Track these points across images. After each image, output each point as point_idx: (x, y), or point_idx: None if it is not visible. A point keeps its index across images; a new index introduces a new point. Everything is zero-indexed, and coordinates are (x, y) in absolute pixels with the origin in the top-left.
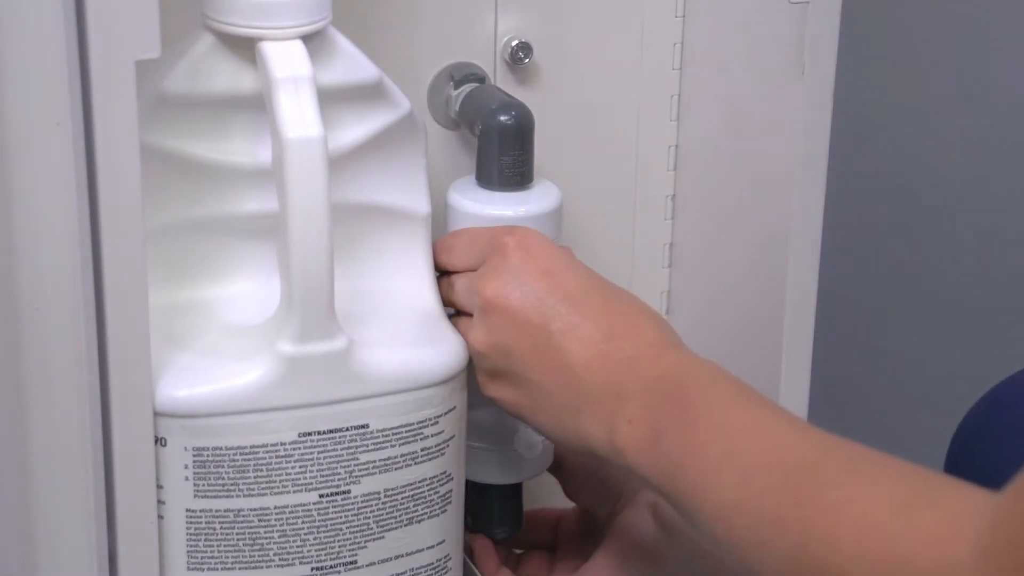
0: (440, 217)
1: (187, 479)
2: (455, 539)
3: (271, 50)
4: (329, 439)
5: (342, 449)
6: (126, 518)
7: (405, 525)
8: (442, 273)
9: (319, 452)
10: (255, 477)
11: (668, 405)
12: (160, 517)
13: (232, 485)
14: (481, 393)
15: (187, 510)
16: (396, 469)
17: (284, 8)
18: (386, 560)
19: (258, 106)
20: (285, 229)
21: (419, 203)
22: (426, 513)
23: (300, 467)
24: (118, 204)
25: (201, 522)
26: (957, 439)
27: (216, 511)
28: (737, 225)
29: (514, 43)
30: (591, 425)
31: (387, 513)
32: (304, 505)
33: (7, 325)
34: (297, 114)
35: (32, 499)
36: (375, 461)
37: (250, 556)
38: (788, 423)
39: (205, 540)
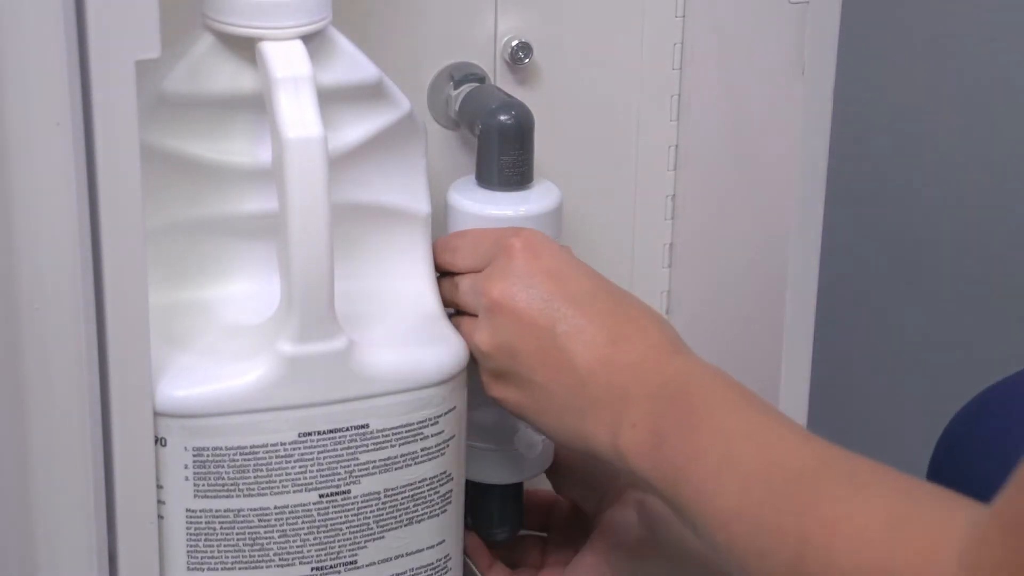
0: (440, 217)
1: (187, 479)
2: (455, 539)
3: (271, 50)
4: (329, 439)
5: (342, 449)
6: (126, 518)
7: (405, 525)
8: (443, 273)
9: (319, 452)
10: (255, 477)
11: (671, 410)
12: (160, 517)
13: (232, 485)
14: (482, 393)
15: (187, 510)
16: (396, 469)
17: (284, 8)
18: (386, 560)
19: (258, 106)
20: (285, 229)
21: (419, 203)
22: (426, 513)
23: (300, 467)
24: (118, 204)
25: (201, 522)
26: (941, 446)
27: (216, 511)
28: (737, 225)
29: (514, 43)
30: (594, 428)
31: (387, 513)
32: (304, 505)
33: (7, 325)
34: (297, 114)
35: (32, 499)
36: (375, 461)
37: (250, 556)
38: (789, 431)
39: (205, 540)
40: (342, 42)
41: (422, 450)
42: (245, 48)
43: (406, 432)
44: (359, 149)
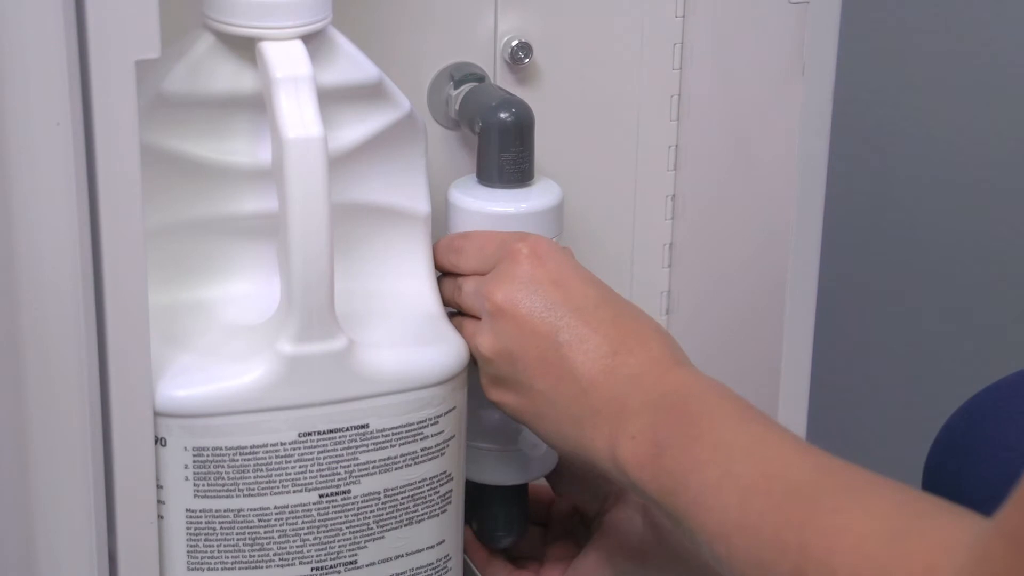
0: (440, 217)
1: (187, 479)
2: (455, 539)
3: (271, 50)
4: (329, 439)
5: (342, 449)
6: (126, 518)
7: (405, 525)
8: (444, 273)
9: (319, 452)
10: (255, 477)
11: (670, 422)
12: (160, 517)
13: (232, 485)
14: (484, 394)
15: (187, 510)
16: (396, 469)
17: (284, 8)
18: (386, 560)
19: (258, 106)
20: (285, 229)
21: (419, 203)
22: (426, 513)
23: (300, 467)
24: (118, 204)
25: (201, 522)
26: (937, 447)
27: (216, 511)
28: (737, 225)
29: (514, 43)
30: (593, 438)
31: (387, 513)
32: (304, 505)
33: (7, 325)
34: (297, 114)
35: (32, 499)
36: (375, 461)
37: (250, 556)
38: (789, 443)
39: (205, 540)
40: (342, 42)
41: (422, 450)
42: (245, 48)
43: (406, 432)
44: (359, 149)
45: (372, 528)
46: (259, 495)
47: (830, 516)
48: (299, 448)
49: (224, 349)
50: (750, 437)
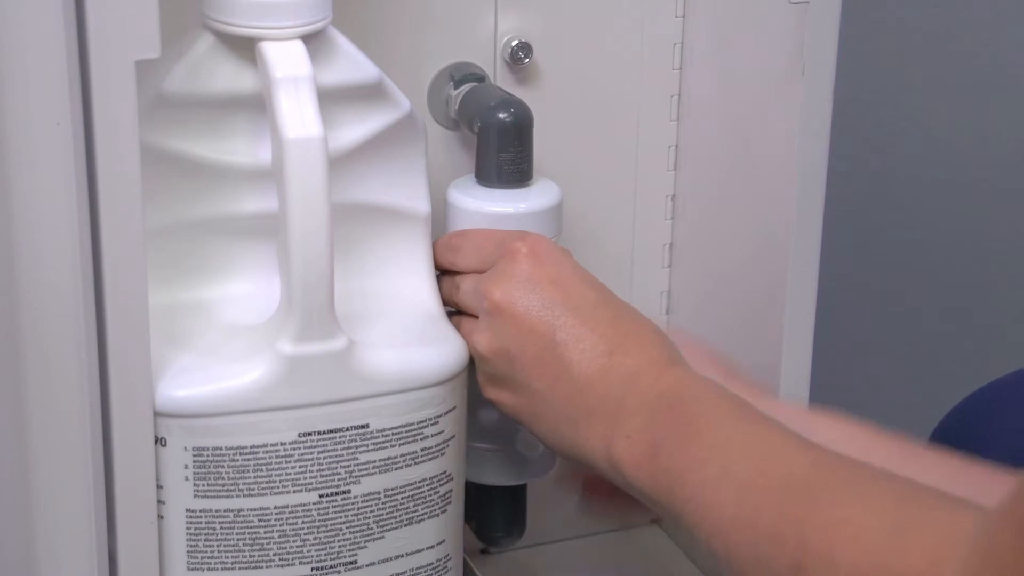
0: (439, 217)
1: (187, 479)
2: (455, 539)
3: (271, 50)
4: (329, 439)
5: (342, 449)
6: (126, 518)
7: (405, 525)
8: (443, 272)
9: (319, 452)
10: (255, 477)
11: (666, 421)
12: (160, 517)
13: (232, 485)
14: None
15: (187, 510)
16: (396, 469)
17: (284, 8)
18: (386, 560)
19: (258, 106)
20: (285, 229)
21: (419, 203)
22: (426, 513)
23: (300, 467)
24: (118, 204)
25: (201, 522)
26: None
27: (216, 511)
28: (737, 225)
29: (514, 43)
30: (589, 438)
31: (387, 513)
32: (304, 505)
33: (7, 325)
34: (297, 114)
35: (32, 499)
36: (375, 461)
37: (250, 556)
38: (787, 440)
39: (205, 540)
40: (342, 42)
41: (422, 450)
42: (245, 48)
43: (406, 432)
44: (359, 149)
45: (372, 528)
46: (259, 495)
47: (829, 510)
48: (299, 448)
49: (224, 349)
50: (747, 435)
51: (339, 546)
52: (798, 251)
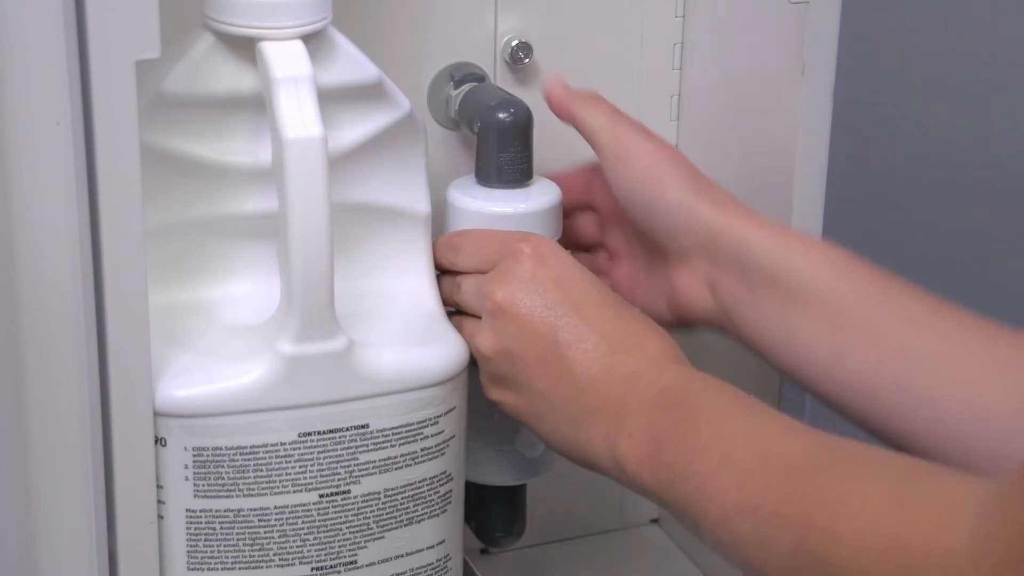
0: (439, 217)
1: (187, 479)
2: (455, 539)
3: (271, 50)
4: (329, 439)
5: (342, 449)
6: (126, 518)
7: (405, 525)
8: (442, 272)
9: (319, 452)
10: (255, 477)
11: (668, 417)
12: (160, 517)
13: (232, 485)
14: (483, 393)
15: (187, 510)
16: (396, 469)
17: (284, 8)
18: (386, 560)
19: (258, 106)
20: (285, 229)
21: (419, 203)
22: (426, 513)
23: (300, 467)
24: (118, 204)
25: (201, 522)
26: None
27: (216, 511)
28: None
29: (514, 43)
30: (592, 438)
31: (387, 513)
32: (304, 505)
33: (7, 325)
34: (297, 114)
35: (32, 499)
36: (375, 461)
37: (250, 556)
38: (788, 426)
39: (205, 540)
40: (342, 42)
41: (422, 450)
42: (245, 48)
43: (406, 432)
44: (359, 149)
45: (372, 528)
46: (259, 495)
47: (832, 486)
48: (299, 448)
49: (224, 349)
50: (748, 424)
51: (339, 546)
52: None
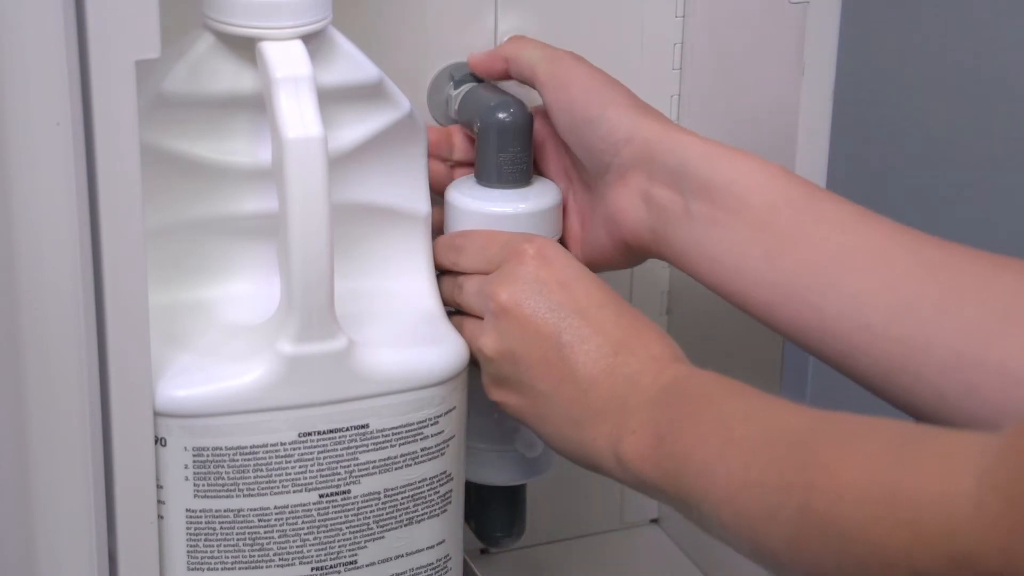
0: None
1: (187, 479)
2: (455, 539)
3: (271, 50)
4: (329, 439)
5: (342, 449)
6: (126, 518)
7: (405, 525)
8: (443, 272)
9: (319, 452)
10: (255, 477)
11: (670, 411)
12: (160, 517)
13: (232, 485)
14: (482, 394)
15: (187, 510)
16: (396, 469)
17: (284, 8)
18: (386, 560)
19: (258, 106)
20: (285, 229)
21: (419, 203)
22: (426, 513)
23: (300, 467)
24: (118, 204)
25: (201, 522)
26: None
27: (216, 511)
28: None
29: None
30: (595, 438)
31: (387, 513)
32: (304, 505)
33: (7, 325)
34: (297, 114)
35: (32, 499)
36: (375, 461)
37: (250, 556)
38: (787, 406)
39: (205, 540)
40: (342, 42)
41: (422, 450)
42: (245, 48)
43: (406, 432)
44: (359, 149)
45: (372, 528)
46: (259, 495)
47: (833, 450)
48: (299, 448)
49: (224, 349)
50: (748, 406)
51: (339, 546)
52: None
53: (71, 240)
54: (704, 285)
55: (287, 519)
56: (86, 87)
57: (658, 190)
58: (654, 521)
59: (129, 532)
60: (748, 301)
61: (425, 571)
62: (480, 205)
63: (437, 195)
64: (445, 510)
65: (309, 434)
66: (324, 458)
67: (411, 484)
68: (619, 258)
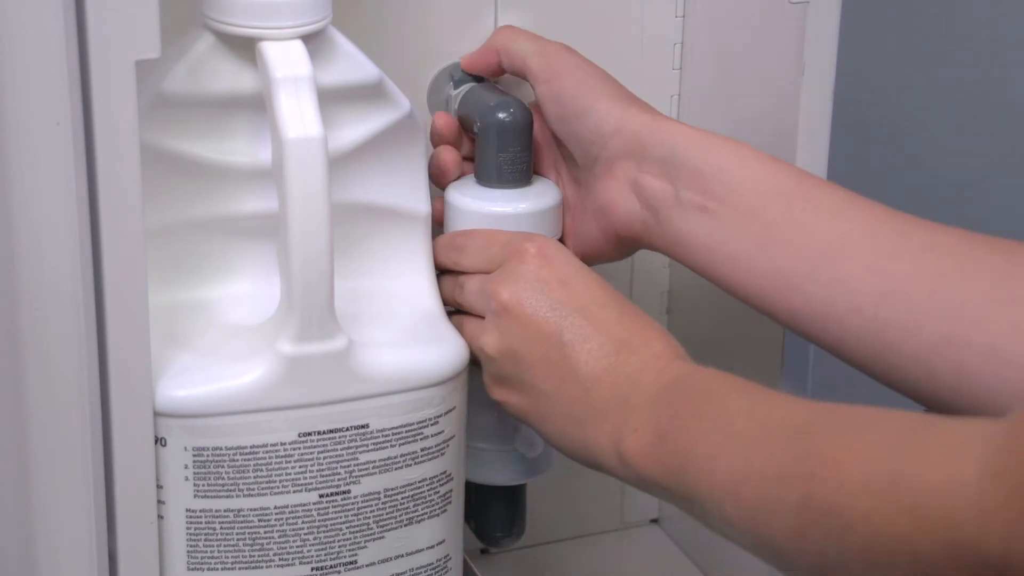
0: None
1: (187, 479)
2: (455, 539)
3: (271, 50)
4: (329, 439)
5: (342, 449)
6: (126, 518)
7: (405, 525)
8: (443, 271)
9: (319, 452)
10: (255, 477)
11: (671, 408)
12: (160, 517)
13: (232, 485)
14: (482, 393)
15: (187, 510)
16: (396, 469)
17: (284, 8)
18: (386, 560)
19: (258, 106)
20: (285, 229)
21: (419, 203)
22: (426, 513)
23: (300, 467)
24: (118, 204)
25: (201, 522)
26: None
27: (216, 511)
28: None
29: None
30: (597, 437)
31: (387, 513)
32: (304, 505)
33: (7, 325)
34: (297, 114)
35: (32, 499)
36: (375, 461)
37: (250, 556)
38: (788, 399)
39: (205, 540)
40: (342, 42)
41: (422, 450)
42: (245, 48)
43: (406, 432)
44: (359, 149)
45: (372, 528)
46: (259, 495)
47: (835, 440)
48: (299, 448)
49: (224, 349)
50: (749, 401)
51: (339, 546)
52: None
53: (71, 240)
54: (696, 273)
55: (287, 519)
56: (86, 87)
57: (648, 180)
58: (654, 521)
59: (129, 532)
60: (741, 288)
61: (425, 571)
62: (480, 205)
63: (444, 187)
64: (445, 510)
65: (309, 434)
66: (324, 458)
67: (411, 484)
68: (610, 250)
